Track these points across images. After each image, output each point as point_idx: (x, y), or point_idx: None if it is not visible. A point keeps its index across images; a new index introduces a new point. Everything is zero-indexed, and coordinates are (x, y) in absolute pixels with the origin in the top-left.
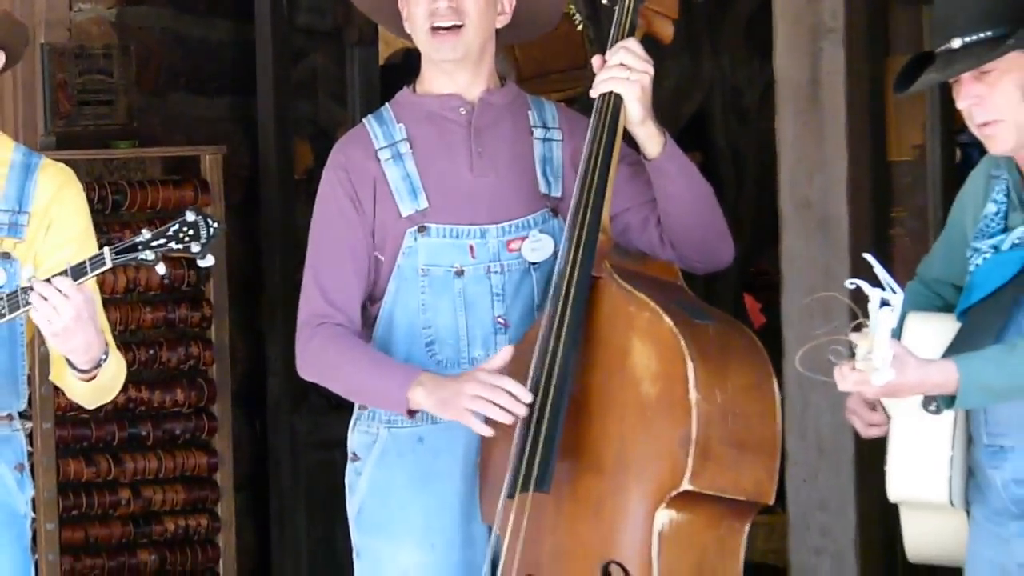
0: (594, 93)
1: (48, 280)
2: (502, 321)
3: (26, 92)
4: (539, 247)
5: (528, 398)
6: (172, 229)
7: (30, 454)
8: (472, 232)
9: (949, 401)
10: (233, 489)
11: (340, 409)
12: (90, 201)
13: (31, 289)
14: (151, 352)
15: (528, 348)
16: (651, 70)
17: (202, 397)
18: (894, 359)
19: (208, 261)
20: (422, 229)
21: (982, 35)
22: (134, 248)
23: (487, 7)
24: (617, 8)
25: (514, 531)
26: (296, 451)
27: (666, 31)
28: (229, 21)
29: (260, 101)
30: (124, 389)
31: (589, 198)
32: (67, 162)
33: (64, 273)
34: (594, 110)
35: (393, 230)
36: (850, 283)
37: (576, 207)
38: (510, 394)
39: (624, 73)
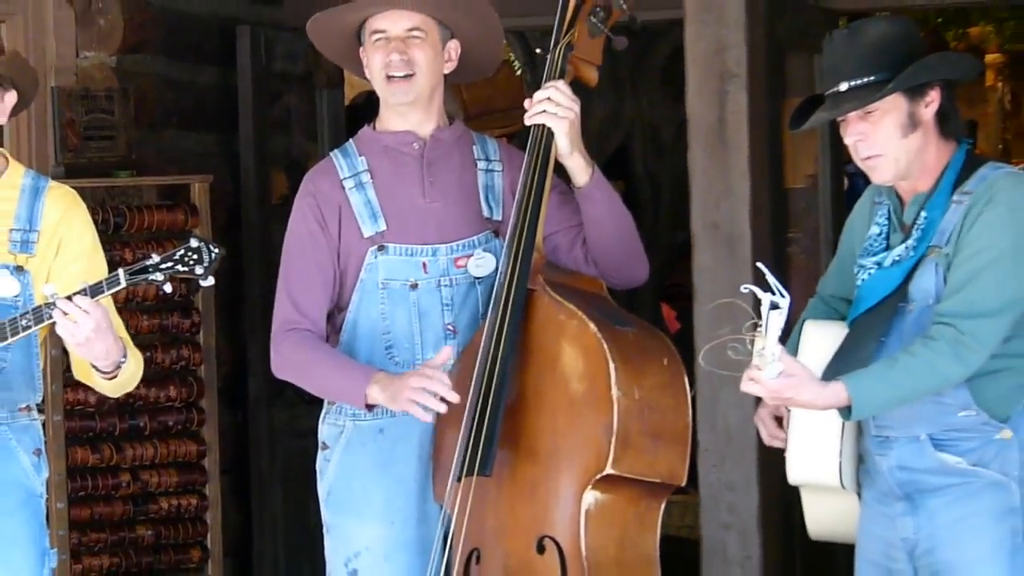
0: (527, 121)
1: (69, 298)
2: (451, 328)
3: (39, 129)
4: (483, 263)
5: (454, 397)
6: (178, 254)
7: (44, 442)
8: (424, 251)
9: (846, 413)
10: (219, 473)
11: (312, 403)
12: (94, 223)
13: (54, 305)
14: (148, 354)
15: (474, 352)
16: (577, 108)
17: (192, 393)
18: (793, 378)
19: (209, 282)
20: (381, 248)
21: (866, 79)
22: (145, 270)
23: (435, 57)
24: (549, 56)
25: (461, 510)
26: (274, 440)
27: (591, 76)
28: (215, 67)
29: (242, 136)
30: None
31: (525, 221)
32: (74, 189)
33: (84, 292)
34: (528, 145)
35: (356, 249)
36: (744, 288)
37: (513, 229)
38: (443, 384)
39: (553, 108)
